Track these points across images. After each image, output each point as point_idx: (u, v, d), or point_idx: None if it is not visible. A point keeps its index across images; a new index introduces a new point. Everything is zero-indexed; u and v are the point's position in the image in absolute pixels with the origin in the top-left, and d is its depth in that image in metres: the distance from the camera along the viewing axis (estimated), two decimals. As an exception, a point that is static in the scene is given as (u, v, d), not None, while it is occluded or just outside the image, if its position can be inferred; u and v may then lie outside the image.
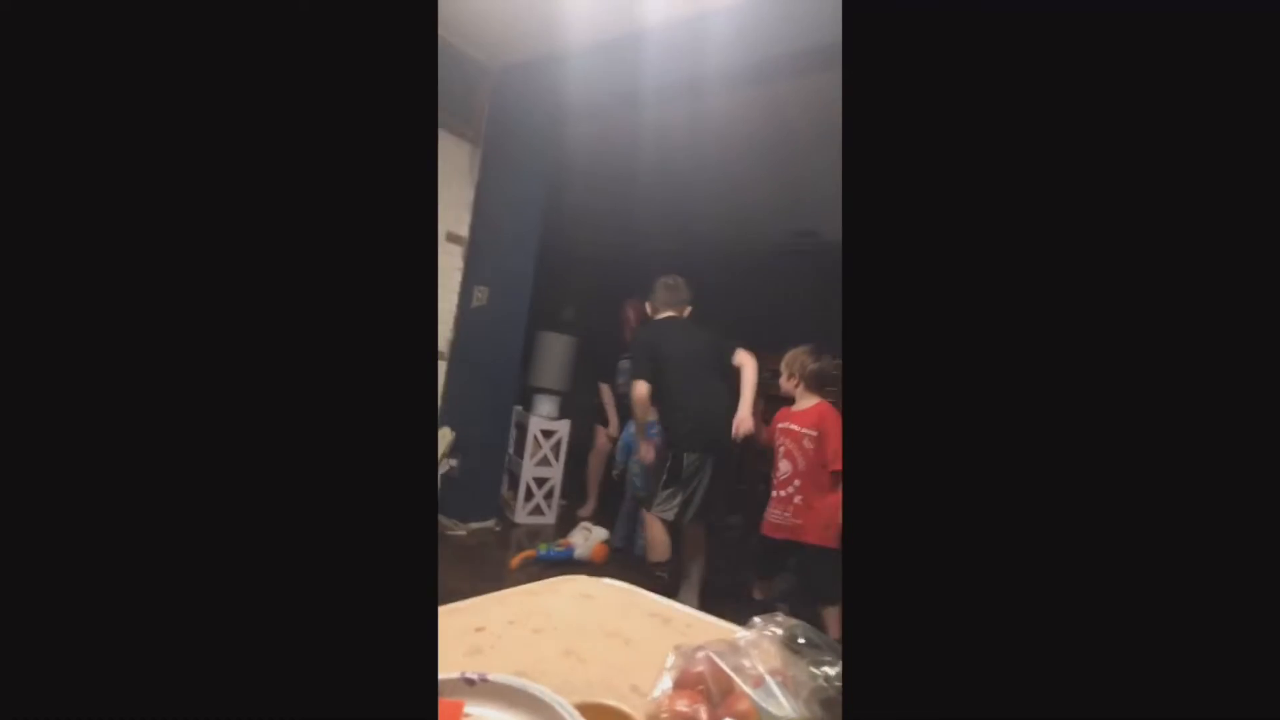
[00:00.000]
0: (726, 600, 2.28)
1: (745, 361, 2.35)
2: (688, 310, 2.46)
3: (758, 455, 2.20)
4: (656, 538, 2.27)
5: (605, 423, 3.43)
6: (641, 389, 2.24)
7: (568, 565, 2.57)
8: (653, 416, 2.46)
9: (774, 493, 2.05)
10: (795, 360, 2.12)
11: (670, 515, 2.23)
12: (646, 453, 2.37)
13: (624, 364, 3.38)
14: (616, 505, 3.08)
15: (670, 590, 2.28)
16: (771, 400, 2.54)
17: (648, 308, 2.49)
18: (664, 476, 2.24)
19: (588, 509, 3.43)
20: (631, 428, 2.98)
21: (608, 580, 0.83)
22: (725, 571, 2.51)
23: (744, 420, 2.15)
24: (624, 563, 2.76)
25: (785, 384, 2.13)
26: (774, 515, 2.03)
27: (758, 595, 2.10)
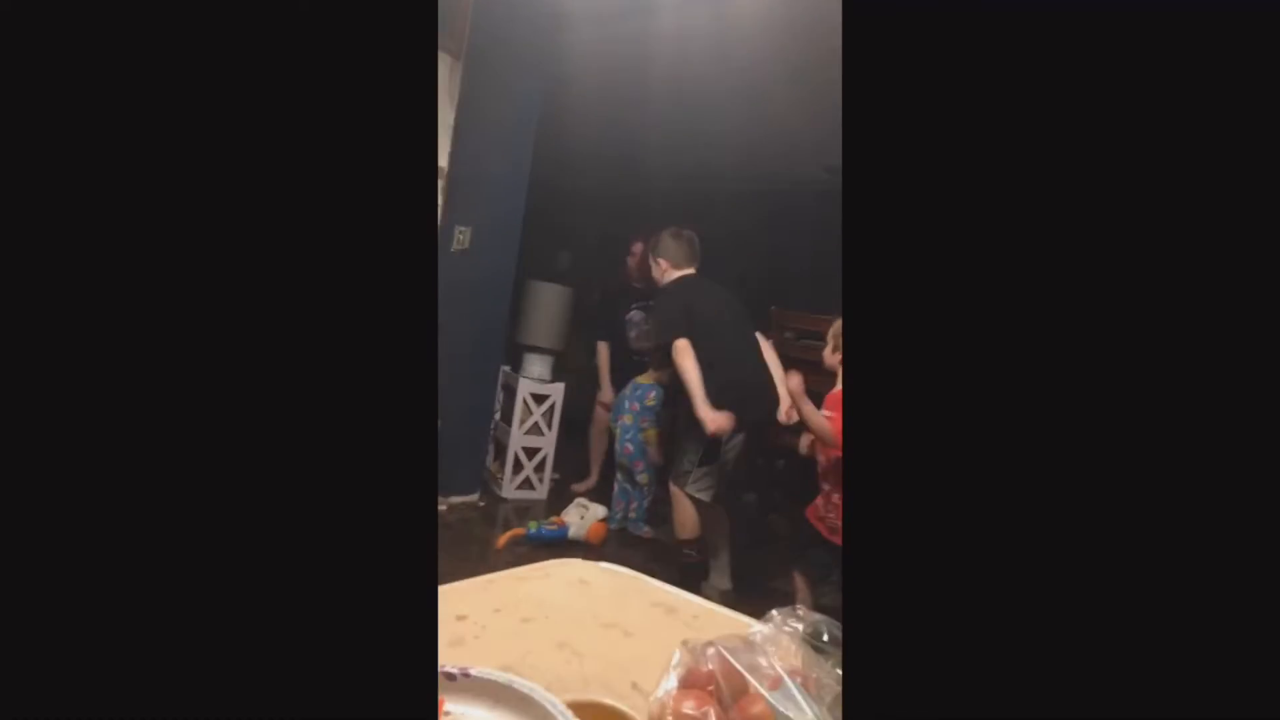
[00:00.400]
0: (756, 589, 2.33)
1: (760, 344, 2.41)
2: (697, 266, 2.47)
3: (788, 430, 2.21)
4: (685, 515, 2.33)
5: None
6: (685, 346, 2.23)
7: (561, 546, 2.62)
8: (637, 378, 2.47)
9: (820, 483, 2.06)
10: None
11: (707, 496, 2.29)
12: (655, 451, 2.46)
13: (634, 314, 3.37)
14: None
15: (700, 571, 2.36)
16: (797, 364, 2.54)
17: (661, 264, 2.46)
18: (700, 453, 2.28)
19: (586, 484, 3.47)
20: (627, 390, 2.99)
21: (606, 565, 0.84)
22: (751, 557, 2.57)
23: (789, 410, 2.19)
24: (625, 544, 2.82)
25: (829, 357, 2.05)
26: (819, 505, 2.04)
27: (793, 589, 2.10)
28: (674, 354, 2.25)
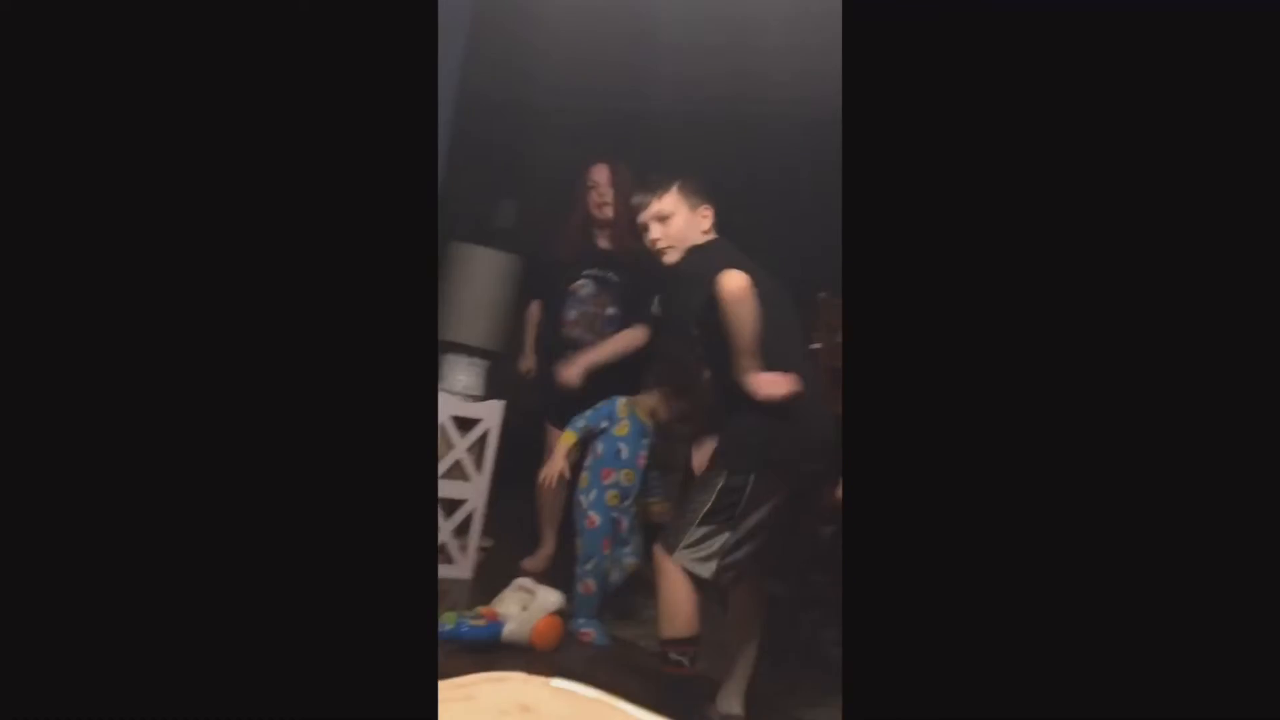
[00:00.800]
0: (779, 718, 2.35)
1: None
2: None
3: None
4: (677, 600, 2.30)
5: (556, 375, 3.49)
6: (745, 281, 2.17)
7: (493, 652, 2.62)
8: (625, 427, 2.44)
9: None
10: None
11: (708, 571, 2.26)
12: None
13: (583, 286, 3.41)
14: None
15: (697, 688, 2.37)
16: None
17: (705, 212, 2.43)
18: (706, 506, 2.27)
19: (538, 558, 3.47)
20: (611, 407, 2.98)
21: (559, 681, 0.83)
22: (775, 671, 2.58)
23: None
24: (590, 650, 2.85)
25: None
26: None
27: None
28: (723, 287, 2.17)
